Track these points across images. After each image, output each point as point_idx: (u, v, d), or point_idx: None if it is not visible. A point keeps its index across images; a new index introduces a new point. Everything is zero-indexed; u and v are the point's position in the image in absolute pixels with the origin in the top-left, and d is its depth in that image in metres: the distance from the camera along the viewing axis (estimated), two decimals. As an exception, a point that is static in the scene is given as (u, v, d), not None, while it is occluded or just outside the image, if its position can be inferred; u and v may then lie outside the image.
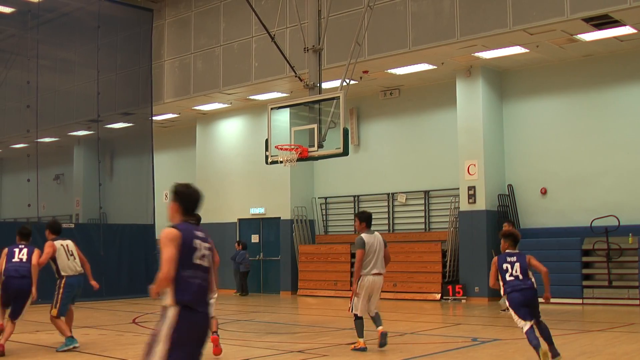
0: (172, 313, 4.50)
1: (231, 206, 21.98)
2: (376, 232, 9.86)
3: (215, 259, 7.21)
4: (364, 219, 9.83)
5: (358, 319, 9.54)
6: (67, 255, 10.17)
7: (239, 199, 22.03)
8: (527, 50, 16.05)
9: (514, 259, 8.17)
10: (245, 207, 21.89)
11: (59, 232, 10.42)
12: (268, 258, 21.56)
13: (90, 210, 24.05)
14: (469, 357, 8.84)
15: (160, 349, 4.45)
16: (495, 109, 17.80)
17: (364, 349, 9.39)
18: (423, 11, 15.96)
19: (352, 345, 9.62)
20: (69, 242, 10.30)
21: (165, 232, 4.61)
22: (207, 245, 4.78)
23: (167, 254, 4.53)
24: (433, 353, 9.25)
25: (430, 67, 17.41)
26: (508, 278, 8.10)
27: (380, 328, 9.52)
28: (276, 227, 21.25)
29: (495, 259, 8.34)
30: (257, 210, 21.64)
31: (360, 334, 9.52)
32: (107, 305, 17.46)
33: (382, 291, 9.95)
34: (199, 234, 4.76)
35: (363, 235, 9.67)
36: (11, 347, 10.07)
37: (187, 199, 4.82)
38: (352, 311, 9.62)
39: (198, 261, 4.66)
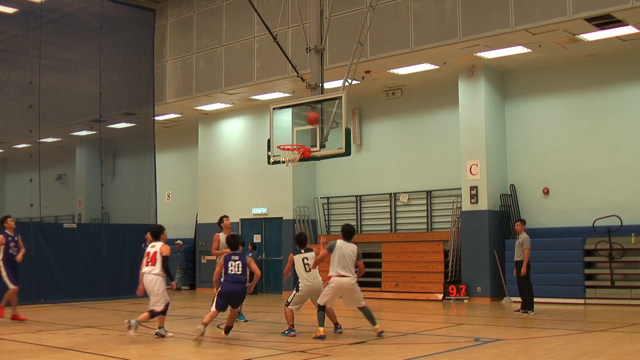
0: None
1: (233, 206, 21.97)
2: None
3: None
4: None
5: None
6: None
7: (241, 199, 22.04)
8: (529, 50, 16.04)
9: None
10: (247, 207, 21.90)
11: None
12: (270, 258, 21.56)
13: (92, 210, 24.12)
14: (471, 357, 8.83)
15: None
16: (497, 108, 17.79)
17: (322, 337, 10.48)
18: (425, 11, 15.95)
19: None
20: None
21: None
22: None
23: None
24: (435, 353, 9.24)
25: (433, 67, 17.40)
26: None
27: None
28: (278, 227, 21.25)
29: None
30: (259, 210, 21.65)
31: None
32: (109, 305, 17.49)
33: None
34: None
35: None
36: (13, 348, 10.12)
37: None
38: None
39: None
